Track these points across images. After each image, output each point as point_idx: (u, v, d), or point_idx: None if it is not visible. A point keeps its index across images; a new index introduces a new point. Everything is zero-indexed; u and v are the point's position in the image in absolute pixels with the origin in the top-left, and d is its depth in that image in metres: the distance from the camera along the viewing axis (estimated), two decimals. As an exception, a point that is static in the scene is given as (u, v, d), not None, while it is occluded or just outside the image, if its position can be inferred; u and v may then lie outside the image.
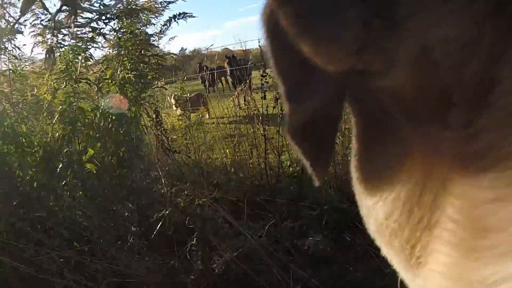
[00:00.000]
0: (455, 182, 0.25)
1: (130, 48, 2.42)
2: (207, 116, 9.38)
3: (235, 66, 8.99)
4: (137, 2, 3.11)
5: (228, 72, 9.06)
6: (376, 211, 0.31)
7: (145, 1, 3.24)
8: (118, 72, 2.43)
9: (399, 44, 0.24)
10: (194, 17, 2.94)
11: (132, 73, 2.37)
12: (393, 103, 0.27)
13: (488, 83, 0.23)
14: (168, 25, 2.82)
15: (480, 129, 0.23)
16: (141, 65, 2.47)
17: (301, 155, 0.34)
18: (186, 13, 2.80)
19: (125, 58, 2.41)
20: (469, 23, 0.22)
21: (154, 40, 3.09)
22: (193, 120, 8.63)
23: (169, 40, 4.51)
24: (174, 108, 8.69)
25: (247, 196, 3.10)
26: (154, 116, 3.03)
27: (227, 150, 3.93)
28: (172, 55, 3.22)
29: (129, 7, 2.62)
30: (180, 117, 4.84)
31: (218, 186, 3.54)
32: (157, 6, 3.18)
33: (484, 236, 0.23)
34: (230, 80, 9.26)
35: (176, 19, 2.79)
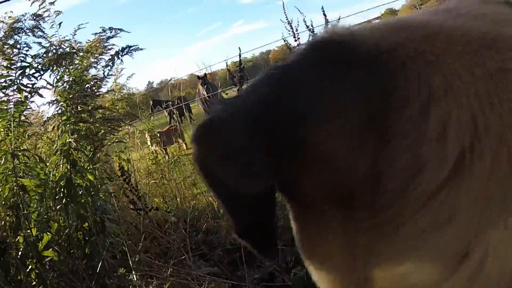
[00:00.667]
0: (374, 243, 0.32)
1: (66, 104, 1.89)
2: (185, 148, 8.84)
3: (209, 85, 8.56)
4: (77, 45, 2.60)
5: (205, 93, 8.57)
6: (322, 279, 0.38)
7: (88, 43, 2.72)
8: (57, 137, 1.91)
9: (306, 158, 0.33)
10: (141, 49, 2.42)
11: (72, 136, 1.85)
12: (314, 196, 0.35)
13: (375, 174, 0.31)
14: (111, 64, 2.30)
15: (379, 208, 0.32)
16: (85, 123, 1.94)
17: (253, 248, 0.40)
18: (131, 46, 2.29)
19: (64, 117, 1.89)
20: (349, 136, 0.32)
21: (104, 84, 2.57)
22: (170, 154, 8.07)
23: (127, 78, 3.95)
24: (149, 144, 8.13)
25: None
26: (119, 174, 2.50)
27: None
28: (125, 100, 2.67)
29: (60, 51, 2.08)
30: (152, 155, 4.26)
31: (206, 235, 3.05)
32: (104, 45, 2.65)
33: (405, 279, 0.31)
34: (205, 94, 8.70)
35: (120, 55, 2.28)
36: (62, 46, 2.15)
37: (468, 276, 0.28)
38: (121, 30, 2.43)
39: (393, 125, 0.31)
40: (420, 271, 0.30)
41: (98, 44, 2.40)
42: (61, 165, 1.92)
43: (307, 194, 0.36)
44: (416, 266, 0.30)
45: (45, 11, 2.35)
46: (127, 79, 4.01)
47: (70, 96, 1.88)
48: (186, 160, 5.90)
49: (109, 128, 2.09)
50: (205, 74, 8.90)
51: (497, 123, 0.29)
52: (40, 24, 2.00)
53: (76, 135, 1.88)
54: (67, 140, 1.84)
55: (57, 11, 2.39)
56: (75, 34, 2.37)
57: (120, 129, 2.30)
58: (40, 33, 1.99)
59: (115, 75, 3.16)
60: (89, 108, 1.92)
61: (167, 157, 7.81)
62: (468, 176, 0.29)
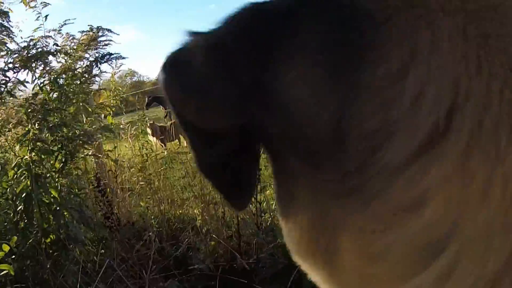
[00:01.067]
0: (343, 215, 0.29)
1: (26, 116, 1.66)
2: (186, 144, 8.65)
3: None
4: (70, 38, 2.40)
5: None
6: (291, 237, 0.35)
7: (84, 37, 2.52)
8: (17, 149, 1.69)
9: (270, 102, 0.30)
10: (123, 58, 2.25)
11: (30, 154, 1.62)
12: (281, 147, 0.32)
13: (340, 133, 0.28)
14: (89, 71, 2.10)
15: (346, 173, 0.28)
16: (43, 142, 1.71)
17: (216, 190, 0.38)
18: (111, 54, 2.10)
19: (25, 130, 1.66)
20: (313, 83, 0.28)
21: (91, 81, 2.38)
22: (170, 149, 7.89)
23: (126, 75, 3.78)
24: (150, 137, 7.96)
25: (221, 271, 2.40)
26: (95, 184, 2.30)
27: (196, 210, 3.19)
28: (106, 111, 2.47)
29: (39, 49, 1.86)
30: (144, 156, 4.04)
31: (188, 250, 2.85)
32: (99, 40, 2.46)
33: (371, 264, 0.28)
34: None
35: (99, 63, 2.08)
36: (40, 42, 1.94)
37: (436, 276, 0.24)
38: (109, 30, 2.22)
39: (366, 81, 0.27)
40: (388, 260, 0.27)
41: (83, 45, 2.20)
42: (22, 179, 1.72)
43: (274, 145, 0.34)
44: (385, 253, 0.27)
45: (31, 0, 2.15)
46: (125, 76, 3.85)
47: (29, 110, 1.66)
48: (184, 159, 5.71)
49: (81, 142, 1.88)
50: None
51: (482, 90, 0.25)
52: (5, 22, 1.78)
53: (34, 153, 1.66)
54: (25, 157, 1.64)
55: (44, 2, 2.19)
56: (60, 30, 2.16)
57: (92, 143, 2.08)
58: (5, 32, 1.77)
59: (113, 71, 2.99)
60: (50, 126, 1.71)
61: (165, 152, 7.66)
62: (443, 147, 0.25)
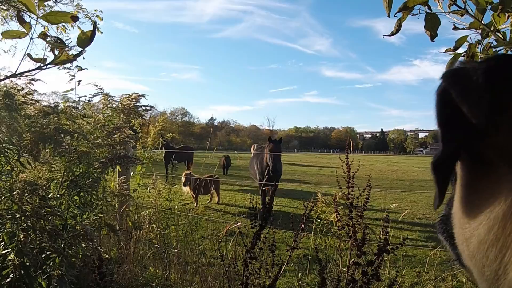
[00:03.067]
0: None
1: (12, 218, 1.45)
2: (216, 201, 8.38)
3: (278, 150, 7.41)
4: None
5: (270, 163, 7.25)
6: (479, 230, 0.41)
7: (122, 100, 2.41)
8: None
9: (500, 122, 0.39)
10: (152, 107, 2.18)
11: (18, 257, 1.37)
12: (495, 154, 0.40)
13: None
14: (102, 171, 1.93)
15: None
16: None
17: (434, 183, 0.46)
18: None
19: (13, 230, 1.41)
20: None
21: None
22: (200, 203, 7.66)
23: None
24: (183, 186, 7.82)
25: None
26: (97, 265, 2.05)
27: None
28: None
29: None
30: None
31: None
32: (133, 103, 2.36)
33: None
34: (270, 163, 7.31)
35: (114, 163, 1.93)
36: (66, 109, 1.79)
37: None
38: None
39: None
40: None
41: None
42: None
43: (488, 153, 0.41)
44: None
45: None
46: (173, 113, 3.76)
47: (17, 215, 1.41)
48: (213, 216, 5.39)
49: (78, 239, 1.64)
50: (281, 138, 8.12)
51: None
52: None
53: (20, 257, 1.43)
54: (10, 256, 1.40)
55: (78, 66, 2.08)
56: (90, 100, 2.04)
57: (94, 239, 1.84)
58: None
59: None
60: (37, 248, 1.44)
61: (195, 204, 7.45)
62: None
